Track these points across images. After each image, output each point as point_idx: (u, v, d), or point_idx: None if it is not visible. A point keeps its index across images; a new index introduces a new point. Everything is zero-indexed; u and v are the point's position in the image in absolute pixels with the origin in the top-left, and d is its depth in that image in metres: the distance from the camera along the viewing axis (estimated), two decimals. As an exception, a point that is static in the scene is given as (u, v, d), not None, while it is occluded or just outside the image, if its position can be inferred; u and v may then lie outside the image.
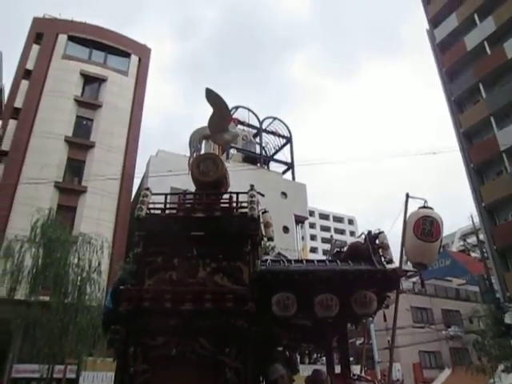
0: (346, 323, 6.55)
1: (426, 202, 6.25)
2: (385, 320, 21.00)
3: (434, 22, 35.58)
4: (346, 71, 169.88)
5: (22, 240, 16.95)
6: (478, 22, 31.60)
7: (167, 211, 7.10)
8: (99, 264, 17.38)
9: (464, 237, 40.23)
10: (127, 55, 30.58)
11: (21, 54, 28.26)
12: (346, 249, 6.69)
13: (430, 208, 6.24)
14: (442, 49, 34.57)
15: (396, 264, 6.27)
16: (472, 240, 33.45)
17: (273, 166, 38.20)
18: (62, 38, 29.04)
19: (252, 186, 7.22)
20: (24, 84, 27.26)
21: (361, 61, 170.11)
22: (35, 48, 28.60)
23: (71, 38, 29.30)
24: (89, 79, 28.85)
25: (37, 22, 29.53)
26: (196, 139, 7.90)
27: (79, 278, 16.87)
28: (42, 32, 29.03)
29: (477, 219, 28.71)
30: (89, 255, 17.25)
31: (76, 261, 17.12)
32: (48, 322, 15.53)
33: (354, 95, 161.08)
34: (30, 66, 27.88)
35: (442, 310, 34.87)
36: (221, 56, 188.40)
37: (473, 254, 35.35)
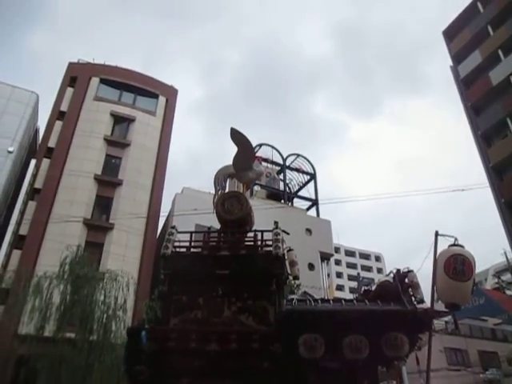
0: (376, 366, 6.31)
1: (456, 239, 6.07)
2: (417, 363, 20.12)
3: (458, 58, 35.71)
4: (369, 109, 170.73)
5: (50, 277, 17.13)
6: (502, 57, 31.56)
7: (192, 249, 7.20)
8: (125, 301, 17.34)
9: (498, 274, 38.75)
10: (155, 96, 31.54)
11: (56, 97, 29.52)
12: (374, 288, 6.53)
13: (461, 246, 6.05)
14: (466, 84, 34.51)
15: (427, 304, 6.07)
16: (507, 277, 32.20)
17: (297, 202, 38.06)
18: (95, 81, 30.27)
19: (276, 224, 7.21)
20: (58, 125, 28.31)
21: (383, 98, 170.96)
22: (69, 90, 29.85)
23: (103, 81, 30.51)
24: (118, 119, 29.77)
25: (71, 66, 30.96)
26: (221, 177, 8.06)
27: (105, 315, 16.83)
28: (76, 76, 30.35)
29: (511, 255, 27.69)
30: (115, 292, 17.25)
31: (102, 298, 17.13)
32: (73, 360, 15.43)
33: (377, 132, 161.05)
34: (64, 107, 29.04)
35: (478, 351, 33.20)
36: (245, 96, 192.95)
37: (508, 292, 33.93)
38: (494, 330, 36.84)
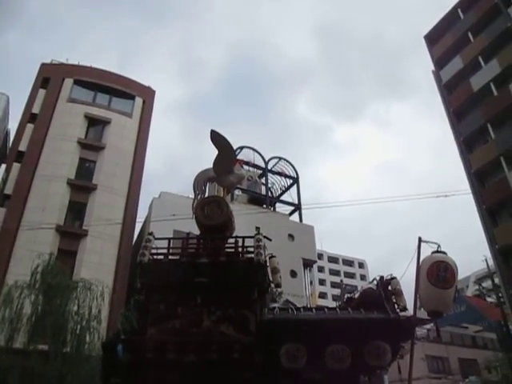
0: (358, 375, 6.37)
1: (439, 246, 6.19)
2: (399, 371, 20.35)
3: (440, 63, 36.44)
4: (353, 112, 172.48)
5: (21, 286, 16.77)
6: (482, 64, 32.31)
7: (170, 257, 7.15)
8: (99, 311, 17.06)
9: (479, 281, 39.42)
10: (131, 97, 31.30)
11: (27, 98, 29.02)
12: (357, 295, 6.60)
13: (444, 253, 6.16)
14: (448, 89, 35.22)
15: (410, 312, 6.15)
16: (487, 284, 32.80)
17: (279, 207, 38.14)
18: (68, 82, 29.88)
19: (258, 230, 7.23)
20: (29, 128, 27.81)
21: (367, 101, 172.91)
22: (42, 92, 29.37)
23: (77, 82, 30.13)
24: (93, 121, 29.43)
25: (44, 67, 30.48)
26: (200, 181, 8.03)
27: (79, 326, 16.52)
28: (49, 77, 29.91)
29: (491, 262, 28.26)
30: (89, 302, 16.97)
31: (76, 308, 16.83)
32: (45, 373, 15.12)
33: (361, 135, 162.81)
34: (35, 109, 28.56)
35: (458, 358, 33.75)
36: (226, 97, 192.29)
37: (488, 299, 34.58)
38: (475, 338, 37.49)
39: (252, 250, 6.68)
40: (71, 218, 26.12)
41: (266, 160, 38.15)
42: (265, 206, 36.00)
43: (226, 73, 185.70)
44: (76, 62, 31.73)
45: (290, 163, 39.32)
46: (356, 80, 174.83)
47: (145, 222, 28.29)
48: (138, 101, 31.54)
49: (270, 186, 38.58)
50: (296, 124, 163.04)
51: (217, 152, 7.81)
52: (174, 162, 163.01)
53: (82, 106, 29.30)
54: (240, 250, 7.06)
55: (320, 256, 67.20)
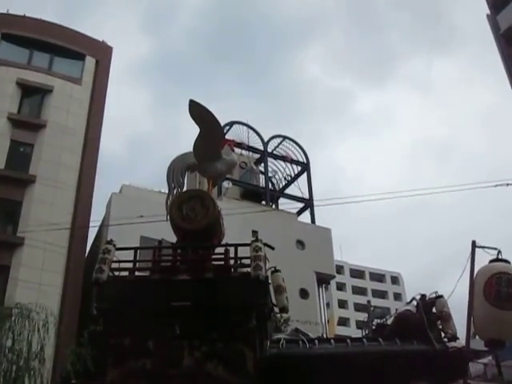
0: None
1: (499, 252, 6.21)
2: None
3: (497, 5, 36.35)
4: (381, 73, 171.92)
5: None
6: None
7: (137, 273, 7.18)
8: (42, 348, 17.12)
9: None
10: (80, 57, 31.19)
11: None
12: (390, 321, 6.63)
13: (507, 261, 6.19)
14: (508, 40, 35.19)
15: (462, 342, 6.20)
16: None
17: (284, 204, 38.05)
18: (-7, 37, 29.78)
19: (256, 235, 7.26)
20: None
21: (400, 57, 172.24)
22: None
23: (5, 37, 30.01)
24: (28, 90, 29.33)
25: (-41, 16, 30.36)
26: (177, 171, 7.97)
27: (14, 367, 16.59)
28: (-34, 29, 29.80)
29: None
30: (28, 335, 17.00)
31: (10, 343, 16.89)
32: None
33: (392, 104, 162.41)
34: None
35: (526, 403, 34.06)
36: (209, 53, 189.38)
37: None
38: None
39: (248, 262, 6.67)
40: (1, 222, 26.07)
41: (266, 140, 38.00)
42: (264, 202, 35.99)
43: (208, 21, 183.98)
44: (4, 11, 31.54)
45: (297, 144, 39.20)
46: (385, 29, 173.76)
47: (101, 226, 28.28)
48: (90, 61, 31.42)
49: (270, 175, 38.52)
50: (305, 91, 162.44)
51: (198, 130, 7.73)
52: (141, 145, 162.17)
53: (12, 70, 29.19)
54: (232, 262, 7.05)
55: (340, 269, 67.48)
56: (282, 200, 38.48)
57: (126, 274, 7.01)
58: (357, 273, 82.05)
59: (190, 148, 8.00)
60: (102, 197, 31.51)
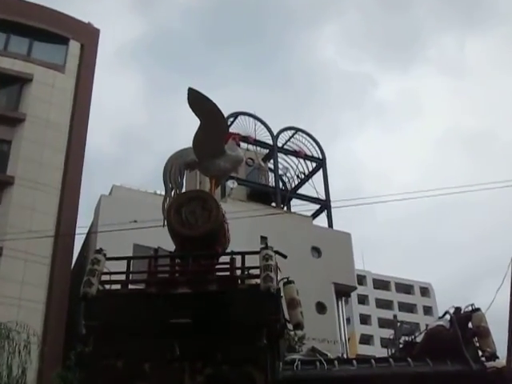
0: None
1: (546, 260, 6.14)
2: None
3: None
4: (406, 53, 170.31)
5: None
6: None
7: (131, 286, 7.24)
8: (24, 372, 17.16)
9: None
10: (64, 41, 31.21)
11: None
12: (420, 338, 6.58)
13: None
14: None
15: (502, 361, 6.14)
16: None
17: (297, 205, 37.90)
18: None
19: (266, 241, 7.23)
20: None
21: (428, 35, 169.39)
22: None
23: (-23, 19, 30.05)
24: (5, 80, 29.34)
25: None
26: (175, 169, 7.97)
27: (-7, 393, 16.66)
28: None
29: None
30: (7, 358, 17.04)
31: (-13, 367, 16.93)
32: None
33: (419, 89, 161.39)
34: None
35: None
36: (208, 34, 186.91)
37: None
38: None
39: (257, 272, 6.67)
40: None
41: (275, 133, 37.86)
42: (275, 203, 35.88)
43: None
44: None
45: (311, 137, 39.11)
46: (410, 4, 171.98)
47: (89, 233, 28.26)
48: (74, 46, 31.45)
49: (281, 172, 38.43)
50: (319, 77, 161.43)
51: (199, 123, 7.71)
52: (134, 140, 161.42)
53: (-14, 56, 29.25)
54: (239, 273, 7.07)
55: (361, 279, 67.29)
56: (294, 201, 38.55)
57: (118, 287, 7.01)
58: (381, 283, 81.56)
59: (189, 143, 7.99)
60: (90, 200, 31.50)
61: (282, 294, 6.59)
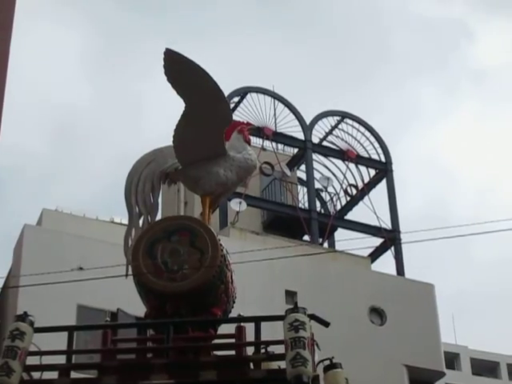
0: None
1: None
2: None
3: None
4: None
5: None
6: None
7: (74, 374, 6.35)
8: None
9: None
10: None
11: None
12: None
13: None
14: None
15: None
16: None
17: (345, 239, 31.59)
18: None
19: (294, 299, 6.20)
20: None
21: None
22: None
23: None
24: None
25: None
26: (144, 182, 6.81)
27: None
28: None
29: None
30: None
31: None
32: None
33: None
34: None
35: None
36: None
37: None
38: None
39: (282, 350, 5.44)
40: None
41: (308, 122, 27.60)
42: (308, 237, 27.35)
43: None
44: None
45: (367, 128, 28.22)
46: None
47: (4, 286, 21.23)
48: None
49: (319, 185, 28.89)
50: (384, 26, 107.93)
51: (184, 106, 6.35)
52: (76, 133, 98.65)
53: None
54: (250, 351, 5.93)
55: (453, 359, 51.67)
56: (341, 232, 29.25)
57: (54, 375, 5.90)
58: (485, 366, 60.43)
59: (166, 139, 6.55)
60: (7, 231, 28.69)
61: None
